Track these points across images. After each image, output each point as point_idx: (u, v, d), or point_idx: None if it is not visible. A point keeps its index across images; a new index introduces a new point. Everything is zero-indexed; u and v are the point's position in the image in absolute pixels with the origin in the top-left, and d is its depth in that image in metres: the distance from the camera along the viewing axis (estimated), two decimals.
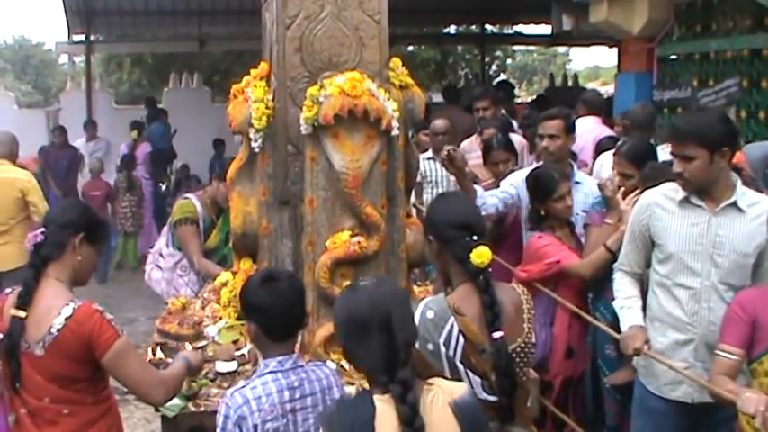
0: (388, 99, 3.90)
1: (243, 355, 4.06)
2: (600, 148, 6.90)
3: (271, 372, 3.09)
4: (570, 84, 20.20)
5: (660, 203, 4.04)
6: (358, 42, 3.98)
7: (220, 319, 4.36)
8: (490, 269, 3.21)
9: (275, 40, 4.01)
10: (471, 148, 7.68)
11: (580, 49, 32.98)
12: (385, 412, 2.53)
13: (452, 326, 3.09)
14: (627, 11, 9.54)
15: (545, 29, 19.58)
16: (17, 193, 7.67)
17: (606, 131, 7.65)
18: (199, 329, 4.37)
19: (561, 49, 39.84)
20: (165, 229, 6.12)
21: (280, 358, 3.12)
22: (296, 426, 3.06)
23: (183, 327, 4.39)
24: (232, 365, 4.01)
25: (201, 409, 3.75)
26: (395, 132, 3.92)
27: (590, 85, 31.66)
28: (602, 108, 8.50)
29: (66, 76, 25.45)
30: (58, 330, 3.29)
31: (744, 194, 3.94)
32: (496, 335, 3.09)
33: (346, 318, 2.68)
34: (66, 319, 3.30)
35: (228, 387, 3.57)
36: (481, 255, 3.15)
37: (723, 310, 3.77)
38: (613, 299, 4.31)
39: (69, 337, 3.29)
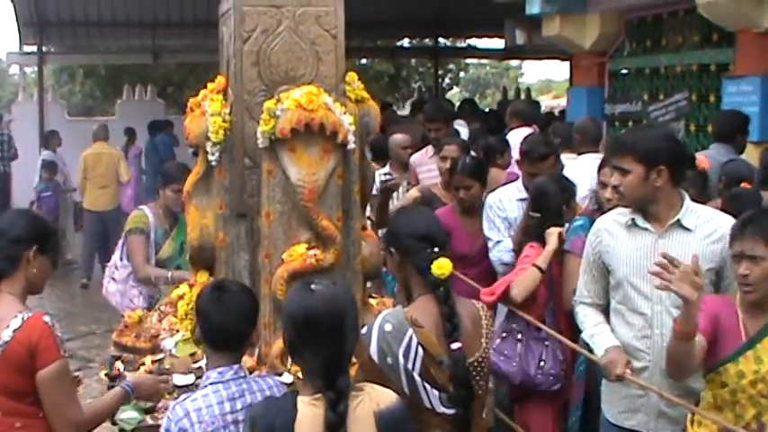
0: (345, 113, 3.92)
1: (200, 367, 4.03)
2: None
3: (211, 383, 3.11)
4: (523, 97, 20.39)
5: (608, 229, 3.91)
6: (314, 56, 4.00)
7: (177, 332, 4.34)
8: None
9: (232, 53, 4.02)
10: (422, 162, 7.45)
11: (533, 62, 33.20)
12: (307, 416, 2.69)
13: (411, 338, 3.10)
14: (579, 26, 9.71)
15: (498, 42, 19.78)
16: (115, 161, 12.86)
17: None
18: (156, 342, 4.35)
19: (514, 63, 40.05)
20: (120, 241, 6.10)
21: (220, 369, 3.14)
22: None
23: (140, 340, 4.37)
24: (189, 378, 4.00)
25: (159, 422, 3.73)
26: (351, 146, 3.93)
27: (542, 98, 32.02)
28: (535, 118, 8.56)
29: (16, 87, 25.17)
30: (6, 343, 3.24)
31: (692, 212, 3.78)
32: (455, 346, 3.12)
33: (302, 317, 2.76)
34: (14, 330, 3.25)
35: None
36: (442, 266, 3.18)
37: None
38: None
39: (16, 348, 3.25)
